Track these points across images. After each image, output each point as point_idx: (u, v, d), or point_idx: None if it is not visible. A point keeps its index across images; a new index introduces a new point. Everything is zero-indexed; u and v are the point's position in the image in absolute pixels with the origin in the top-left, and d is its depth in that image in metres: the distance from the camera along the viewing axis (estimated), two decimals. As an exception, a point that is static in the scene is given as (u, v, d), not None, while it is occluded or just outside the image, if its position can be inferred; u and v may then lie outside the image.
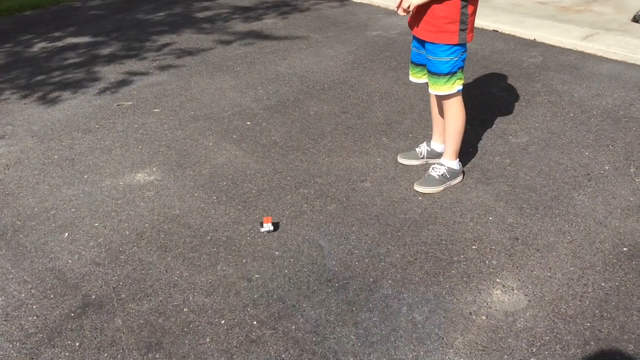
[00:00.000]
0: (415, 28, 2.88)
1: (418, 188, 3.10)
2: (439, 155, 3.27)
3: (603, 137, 3.62)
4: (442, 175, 3.09)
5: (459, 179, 3.16)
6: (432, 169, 3.14)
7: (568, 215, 2.90)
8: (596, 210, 2.93)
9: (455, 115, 2.99)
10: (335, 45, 5.41)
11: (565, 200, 3.02)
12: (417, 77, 3.13)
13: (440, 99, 3.02)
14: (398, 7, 2.73)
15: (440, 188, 3.09)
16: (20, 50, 5.57)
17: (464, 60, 2.86)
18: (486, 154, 3.46)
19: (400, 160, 3.38)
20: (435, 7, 2.69)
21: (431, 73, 2.90)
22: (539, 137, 3.63)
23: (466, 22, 2.73)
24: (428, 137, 3.47)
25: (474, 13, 2.76)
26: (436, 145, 3.33)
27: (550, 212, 2.93)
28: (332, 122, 3.90)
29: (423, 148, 3.36)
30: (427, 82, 3.02)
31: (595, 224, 2.83)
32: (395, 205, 3.01)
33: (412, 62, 3.10)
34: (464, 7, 2.68)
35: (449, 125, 3.03)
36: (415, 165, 3.34)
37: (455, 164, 3.12)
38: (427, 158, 3.34)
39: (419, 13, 2.79)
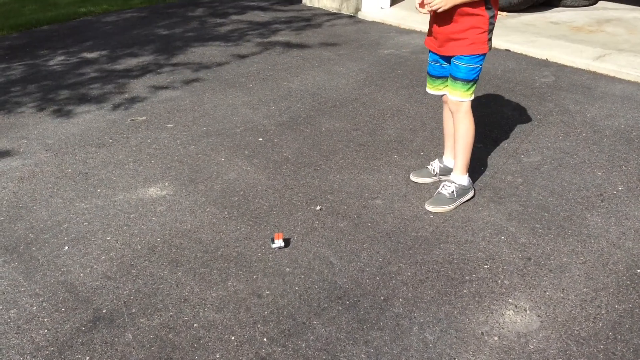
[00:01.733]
0: (439, 48, 2.90)
1: (429, 208, 3.09)
2: (452, 171, 3.26)
3: (616, 157, 3.60)
4: (453, 193, 3.09)
5: (470, 194, 3.16)
6: (443, 187, 3.13)
7: (581, 235, 2.88)
8: (609, 231, 2.91)
9: (467, 127, 3.00)
10: (347, 62, 5.44)
11: (578, 220, 3.00)
12: (436, 90, 3.13)
13: (455, 107, 2.99)
14: (423, 4, 2.73)
15: (452, 206, 3.08)
16: (36, 65, 5.65)
17: (481, 66, 2.94)
18: (498, 173, 3.45)
19: (413, 178, 3.38)
20: (465, 21, 2.73)
21: (455, 78, 2.91)
22: (551, 157, 3.62)
23: (492, 30, 2.83)
24: (439, 155, 3.47)
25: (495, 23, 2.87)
26: (448, 161, 3.33)
27: (563, 232, 2.91)
28: (343, 139, 3.92)
29: (435, 165, 3.36)
30: (443, 95, 3.09)
31: (608, 245, 2.81)
32: (406, 223, 3.01)
33: (431, 75, 3.11)
34: (491, 17, 2.77)
35: (460, 137, 3.03)
36: (428, 183, 3.34)
37: (465, 180, 3.12)
38: (439, 175, 3.33)
39: (442, 32, 2.83)
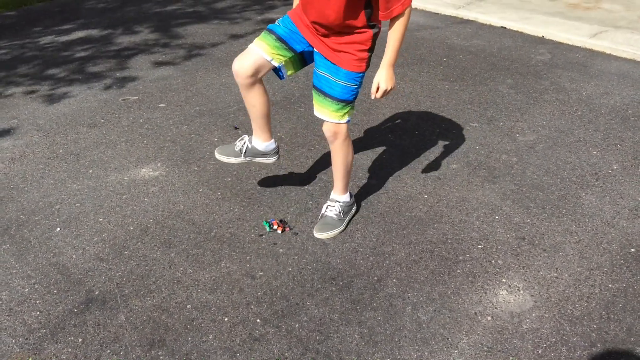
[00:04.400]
0: (316, 41, 2.46)
1: (320, 235, 2.75)
2: (261, 154, 2.84)
3: (611, 136, 3.58)
4: (339, 212, 2.80)
5: (354, 208, 2.92)
6: (327, 209, 2.82)
7: (575, 215, 2.87)
8: (604, 210, 2.91)
9: (344, 155, 2.65)
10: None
11: (573, 199, 2.99)
12: (270, 54, 2.55)
13: (328, 133, 2.58)
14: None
15: (343, 227, 2.80)
16: (27, 44, 5.57)
17: (359, 88, 2.55)
18: (493, 152, 3.43)
19: (217, 155, 2.85)
20: (348, 36, 2.39)
21: (324, 94, 2.50)
22: (546, 136, 3.60)
23: (374, 48, 2.46)
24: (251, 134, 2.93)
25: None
26: (257, 142, 2.83)
27: (558, 211, 2.90)
28: (338, 118, 3.88)
29: (245, 143, 2.82)
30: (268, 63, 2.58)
31: (602, 224, 2.81)
32: (400, 203, 2.99)
33: (269, 30, 2.55)
34: (375, 33, 2.42)
35: (339, 162, 2.68)
36: (266, 164, 3.05)
37: (346, 197, 2.83)
38: (247, 156, 2.84)
39: (327, 26, 2.38)
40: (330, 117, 2.52)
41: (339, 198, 2.83)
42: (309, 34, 2.47)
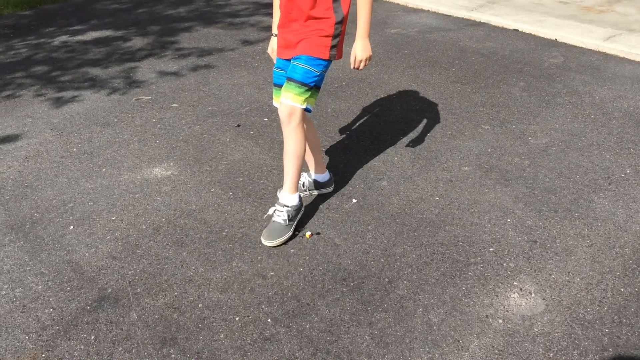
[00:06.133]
0: (284, 50, 2.66)
1: (268, 243, 2.71)
2: (321, 185, 3.08)
3: (624, 139, 3.56)
4: (287, 218, 2.74)
5: (302, 210, 2.86)
6: (276, 214, 2.76)
7: (588, 218, 2.86)
8: (616, 214, 2.89)
9: (296, 142, 2.65)
10: (353, 42, 5.38)
11: (585, 203, 2.98)
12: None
13: (285, 116, 2.60)
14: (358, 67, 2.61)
15: (290, 232, 2.75)
16: (41, 43, 5.62)
17: (323, 79, 2.63)
18: (505, 154, 3.43)
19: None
20: (311, 24, 2.54)
21: (290, 79, 2.58)
22: (559, 139, 3.59)
23: (338, 36, 2.58)
24: (307, 169, 3.15)
25: (345, 32, 2.62)
26: (318, 176, 3.08)
27: (570, 215, 2.89)
28: (349, 119, 3.89)
29: (305, 179, 3.07)
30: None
31: (615, 228, 2.79)
32: (412, 204, 2.99)
33: (276, 85, 2.79)
34: (338, 22, 2.55)
35: (290, 149, 2.67)
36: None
37: (295, 199, 2.77)
38: (310, 190, 3.09)
39: (291, 35, 2.59)
40: (292, 100, 2.58)
41: (288, 202, 2.75)
42: (284, 50, 2.67)
